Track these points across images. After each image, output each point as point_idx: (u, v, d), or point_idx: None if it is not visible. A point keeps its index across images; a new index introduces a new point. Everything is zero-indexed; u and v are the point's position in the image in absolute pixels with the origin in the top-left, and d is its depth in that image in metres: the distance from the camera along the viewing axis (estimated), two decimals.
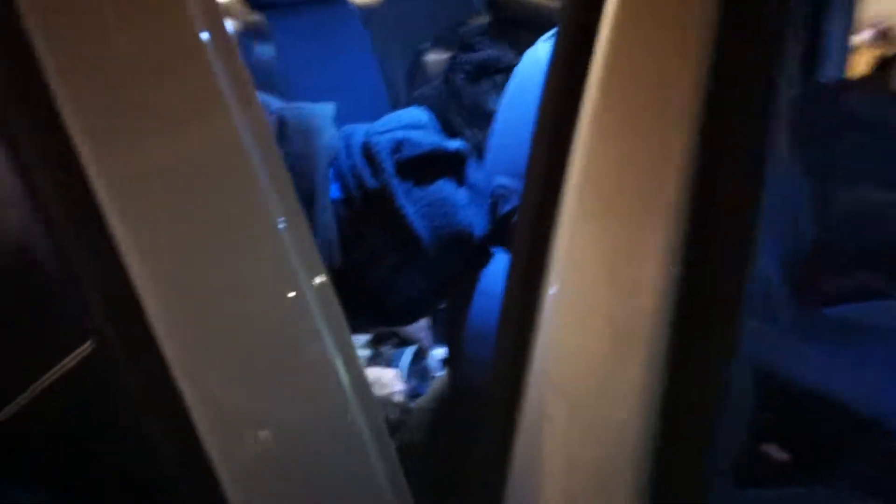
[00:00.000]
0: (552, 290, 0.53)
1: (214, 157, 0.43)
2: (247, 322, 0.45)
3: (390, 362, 1.18)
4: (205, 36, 0.41)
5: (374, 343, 1.21)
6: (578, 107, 0.50)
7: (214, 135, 0.42)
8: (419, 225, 0.70)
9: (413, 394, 1.13)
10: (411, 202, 0.70)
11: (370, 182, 0.69)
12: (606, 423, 0.51)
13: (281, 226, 0.45)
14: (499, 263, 0.81)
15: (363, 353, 1.20)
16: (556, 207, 0.53)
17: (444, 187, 0.73)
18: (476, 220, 0.76)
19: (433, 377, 1.22)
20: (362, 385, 0.50)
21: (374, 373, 1.06)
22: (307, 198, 0.67)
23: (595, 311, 0.50)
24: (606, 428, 0.52)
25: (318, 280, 0.46)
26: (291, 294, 0.45)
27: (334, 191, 0.71)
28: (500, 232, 0.79)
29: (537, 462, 0.57)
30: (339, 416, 0.48)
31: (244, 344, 0.44)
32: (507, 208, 0.77)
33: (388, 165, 0.70)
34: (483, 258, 0.79)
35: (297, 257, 0.45)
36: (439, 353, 1.30)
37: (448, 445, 0.84)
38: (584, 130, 0.50)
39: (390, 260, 0.72)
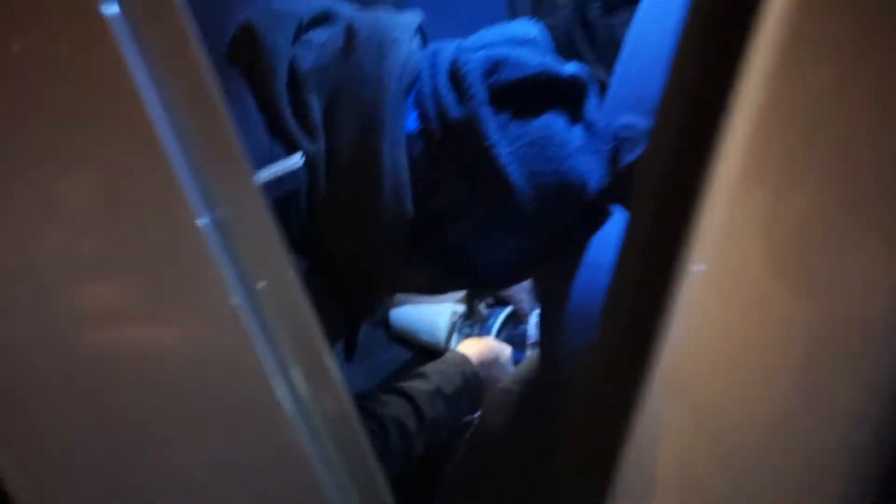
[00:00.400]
0: (697, 267, 0.36)
1: (104, 144, 0.29)
2: (146, 349, 0.32)
3: (484, 322, 1.04)
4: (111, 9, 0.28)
5: (469, 299, 1.08)
6: (754, 12, 0.31)
7: (108, 119, 0.29)
8: (514, 170, 0.54)
9: None
10: (506, 140, 0.54)
11: (454, 111, 0.53)
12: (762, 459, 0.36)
13: (202, 222, 0.31)
14: (616, 226, 0.64)
15: (458, 308, 1.07)
16: (706, 156, 0.36)
17: (552, 123, 0.56)
18: (591, 169, 0.58)
19: (531, 344, 1.07)
20: (338, 404, 0.37)
21: (496, 349, 0.92)
22: (376, 128, 0.53)
23: (768, 315, 0.33)
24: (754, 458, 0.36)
25: (262, 284, 0.33)
26: (210, 308, 0.32)
27: (411, 121, 0.56)
28: (622, 185, 0.61)
29: (649, 473, 0.42)
30: (293, 454, 0.35)
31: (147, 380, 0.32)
32: (633, 156, 0.59)
33: (479, 90, 0.53)
34: (596, 218, 0.62)
35: (225, 261, 0.32)
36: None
37: (530, 439, 0.70)
38: (763, 49, 0.31)
39: (475, 213, 0.56)
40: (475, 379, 0.82)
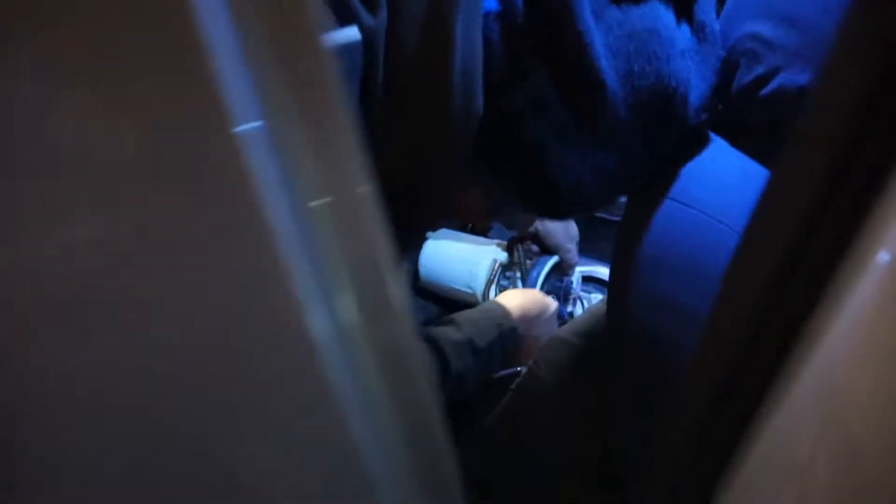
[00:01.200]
0: (885, 257, 0.26)
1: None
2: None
3: (527, 273, 0.95)
4: None
5: (510, 246, 0.98)
6: None
7: None
8: (607, 65, 0.43)
9: None
10: (602, 27, 0.43)
11: None
12: None
13: (247, 127, 0.22)
14: (714, 161, 0.54)
15: (499, 255, 0.98)
16: None
17: (657, 15, 0.45)
18: (696, 78, 0.48)
19: (576, 298, 0.98)
20: (394, 337, 0.28)
21: (540, 303, 0.81)
22: (449, 3, 0.43)
23: None
24: None
25: (320, 201, 0.25)
26: (239, 230, 0.23)
27: (490, 0, 0.46)
28: (736, 109, 0.51)
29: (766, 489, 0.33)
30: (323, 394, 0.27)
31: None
32: (751, 74, 0.49)
33: None
34: (691, 145, 0.52)
35: (269, 175, 0.23)
36: (586, 270, 1.05)
37: (585, 397, 0.62)
38: None
39: (555, 113, 0.46)
40: (512, 335, 0.72)
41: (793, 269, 0.31)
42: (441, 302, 1.07)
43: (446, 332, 0.66)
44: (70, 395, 0.24)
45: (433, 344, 0.64)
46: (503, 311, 0.73)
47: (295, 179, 0.24)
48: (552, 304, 0.83)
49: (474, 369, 0.66)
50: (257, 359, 0.26)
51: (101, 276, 0.23)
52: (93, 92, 0.20)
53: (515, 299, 0.77)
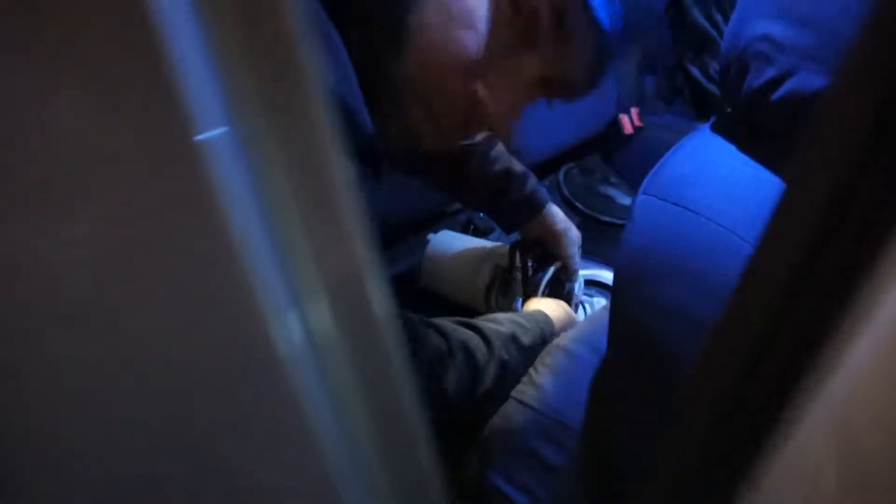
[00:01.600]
0: None
1: None
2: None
3: (528, 277, 0.93)
4: None
5: (511, 251, 0.96)
6: None
7: None
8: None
9: None
10: None
11: None
12: None
13: (211, 134, 0.20)
14: (723, 166, 0.52)
15: (500, 260, 0.96)
16: None
17: None
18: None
19: (578, 303, 0.96)
20: (374, 344, 0.26)
21: (572, 317, 0.81)
22: None
23: None
24: None
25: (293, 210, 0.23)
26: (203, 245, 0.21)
27: None
28: (746, 114, 0.49)
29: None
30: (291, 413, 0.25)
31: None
32: (761, 78, 0.46)
33: None
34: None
35: (236, 181, 0.21)
36: (589, 273, 1.03)
37: (585, 408, 0.59)
38: None
39: None
40: (553, 340, 0.71)
41: (806, 284, 0.29)
42: (442, 305, 1.05)
43: (489, 325, 0.64)
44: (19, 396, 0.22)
45: (477, 330, 0.62)
46: (546, 319, 0.73)
47: (265, 189, 0.22)
48: (575, 317, 0.82)
49: (518, 363, 0.64)
50: (218, 372, 0.24)
51: (56, 282, 0.21)
52: (34, 94, 0.18)
53: (555, 310, 0.77)
